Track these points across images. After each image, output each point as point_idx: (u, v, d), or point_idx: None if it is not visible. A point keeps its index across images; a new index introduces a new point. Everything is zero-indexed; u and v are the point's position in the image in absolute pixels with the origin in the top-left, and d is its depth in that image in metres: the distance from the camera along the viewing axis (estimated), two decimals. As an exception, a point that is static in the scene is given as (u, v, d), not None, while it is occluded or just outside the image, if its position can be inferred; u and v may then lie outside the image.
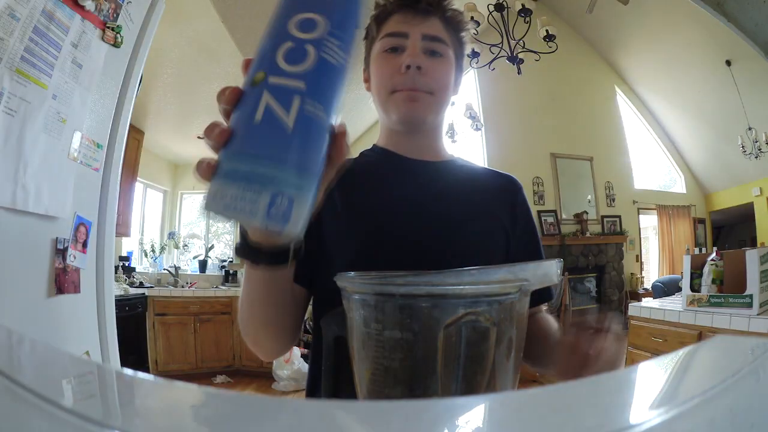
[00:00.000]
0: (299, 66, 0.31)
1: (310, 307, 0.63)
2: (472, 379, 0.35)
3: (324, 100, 0.32)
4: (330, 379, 0.44)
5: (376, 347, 0.36)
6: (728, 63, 4.70)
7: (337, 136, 0.34)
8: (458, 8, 0.67)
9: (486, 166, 0.75)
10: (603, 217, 5.65)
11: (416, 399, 0.34)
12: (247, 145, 0.30)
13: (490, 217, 0.64)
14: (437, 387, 0.34)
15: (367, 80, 0.69)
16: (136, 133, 3.97)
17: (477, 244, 0.62)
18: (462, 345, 0.34)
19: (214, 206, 0.29)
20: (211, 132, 0.31)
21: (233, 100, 0.32)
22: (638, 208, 6.01)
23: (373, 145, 0.71)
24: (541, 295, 0.63)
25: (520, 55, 3.57)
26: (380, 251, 0.58)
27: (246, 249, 0.41)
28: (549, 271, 0.37)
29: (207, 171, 0.30)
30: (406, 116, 0.63)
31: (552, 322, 0.64)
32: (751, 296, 1.71)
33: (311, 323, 0.61)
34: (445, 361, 0.34)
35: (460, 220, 0.61)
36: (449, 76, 0.65)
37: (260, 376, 3.80)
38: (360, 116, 4.25)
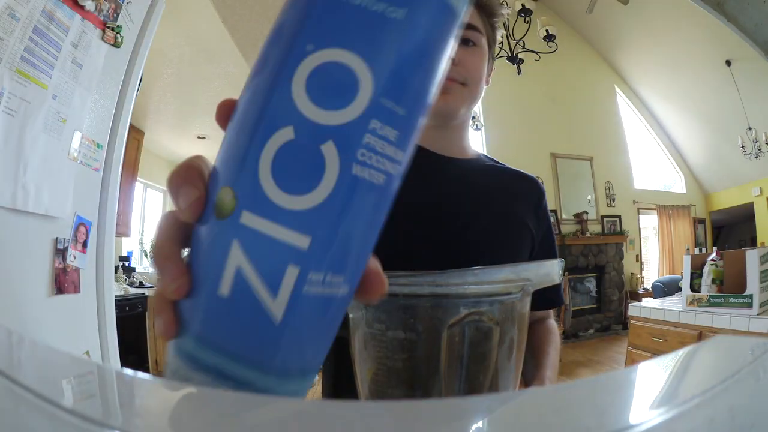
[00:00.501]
0: (303, 195, 0.16)
1: None
2: (475, 379, 0.35)
3: (345, 263, 0.18)
4: (330, 379, 0.44)
5: (378, 347, 0.36)
6: (728, 63, 4.70)
7: (370, 276, 0.20)
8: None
9: (509, 165, 0.73)
10: (603, 217, 5.66)
11: (417, 399, 0.34)
12: (208, 331, 0.18)
13: (520, 220, 0.63)
14: (440, 387, 0.34)
15: None
16: (136, 133, 3.97)
17: (509, 247, 0.60)
18: (465, 345, 0.34)
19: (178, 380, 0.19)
20: (163, 275, 0.19)
21: (195, 214, 0.18)
22: (638, 208, 6.01)
23: None
24: (552, 300, 0.62)
25: (520, 55, 3.57)
26: (413, 251, 0.55)
27: None
28: (551, 270, 0.37)
29: (166, 332, 0.19)
30: (439, 108, 0.59)
31: (551, 340, 0.62)
32: (751, 296, 1.71)
33: None
34: (448, 361, 0.34)
35: (493, 223, 0.60)
36: (483, 66, 0.62)
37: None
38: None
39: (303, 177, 0.16)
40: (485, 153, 0.70)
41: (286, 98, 0.16)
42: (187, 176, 0.19)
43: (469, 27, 0.59)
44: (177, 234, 0.19)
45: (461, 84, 0.59)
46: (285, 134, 0.16)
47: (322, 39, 0.16)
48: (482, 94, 0.65)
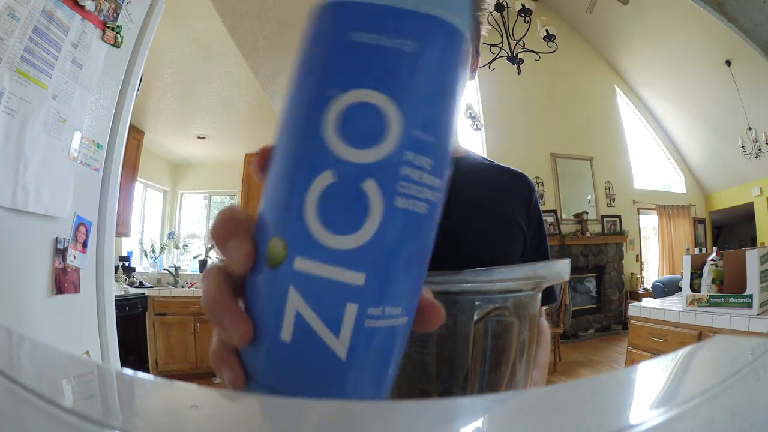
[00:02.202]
0: (352, 234, 0.17)
1: None
2: (496, 371, 0.38)
3: (401, 294, 0.18)
4: None
5: (409, 344, 0.37)
6: (728, 63, 4.70)
7: (427, 307, 0.21)
8: None
9: (498, 162, 0.73)
10: (603, 217, 5.66)
11: (447, 393, 0.37)
12: (275, 376, 0.18)
13: (510, 218, 0.63)
14: (467, 380, 0.37)
15: None
16: (136, 133, 3.97)
17: (500, 244, 0.61)
18: (489, 338, 0.37)
19: None
20: (224, 325, 0.19)
21: (247, 267, 0.19)
22: (638, 208, 6.02)
23: None
24: (546, 297, 0.63)
25: (520, 55, 3.57)
26: None
27: None
28: (562, 269, 0.41)
29: (235, 381, 0.20)
30: None
31: (540, 340, 0.62)
32: (751, 296, 1.71)
33: None
34: (474, 354, 0.37)
35: (483, 220, 0.60)
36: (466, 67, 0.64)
37: (260, 376, 3.80)
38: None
39: (349, 216, 0.17)
40: (483, 154, 0.69)
41: (319, 143, 0.17)
42: (233, 230, 0.19)
43: None
44: (228, 285, 0.20)
45: None
46: (326, 178, 0.17)
47: (345, 82, 0.17)
48: (464, 90, 0.66)
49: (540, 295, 0.41)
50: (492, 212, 0.62)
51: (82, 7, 1.21)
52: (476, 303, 0.36)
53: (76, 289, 1.29)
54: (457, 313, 0.36)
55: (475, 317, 0.36)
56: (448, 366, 0.37)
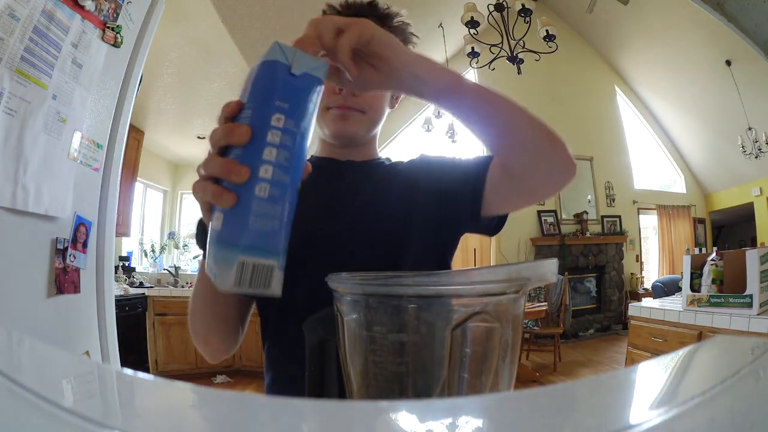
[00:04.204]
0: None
1: None
2: (476, 380, 0.35)
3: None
4: (315, 383, 0.44)
5: (378, 351, 0.35)
6: (728, 63, 4.71)
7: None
8: (404, 21, 0.65)
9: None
10: (603, 217, 5.66)
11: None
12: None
13: (394, 198, 0.63)
14: (443, 389, 0.34)
15: None
16: (136, 133, 3.97)
17: (389, 233, 0.60)
18: (468, 345, 0.34)
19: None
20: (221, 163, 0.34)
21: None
22: (638, 208, 6.02)
23: (311, 155, 0.71)
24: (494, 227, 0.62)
25: (520, 55, 3.57)
26: (302, 252, 0.52)
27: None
28: (548, 270, 0.38)
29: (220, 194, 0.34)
30: (338, 132, 0.65)
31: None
32: (751, 296, 1.71)
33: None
34: (451, 363, 0.34)
35: (366, 212, 0.62)
36: (382, 96, 0.66)
37: (260, 376, 3.77)
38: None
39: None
40: (483, 154, 0.68)
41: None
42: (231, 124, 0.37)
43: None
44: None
45: (359, 111, 0.64)
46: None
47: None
48: (384, 117, 0.69)
49: (524, 299, 0.38)
50: (374, 196, 0.63)
51: (82, 7, 1.21)
52: (453, 307, 0.34)
53: (76, 289, 1.29)
54: (432, 319, 0.33)
55: (453, 323, 0.33)
56: (424, 376, 0.35)
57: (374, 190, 0.65)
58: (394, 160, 0.73)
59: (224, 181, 0.33)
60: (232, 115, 0.36)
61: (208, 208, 0.36)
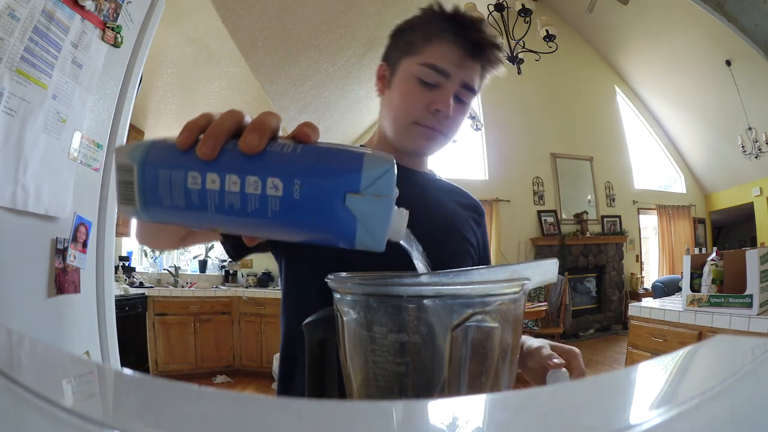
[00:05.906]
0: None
1: None
2: (476, 381, 0.35)
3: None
4: (315, 383, 0.44)
5: (379, 351, 0.35)
6: (728, 63, 4.71)
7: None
8: (502, 53, 0.67)
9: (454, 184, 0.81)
10: (603, 217, 5.66)
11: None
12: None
13: (467, 227, 0.70)
14: (443, 390, 0.34)
15: (384, 85, 0.68)
16: (136, 133, 3.97)
17: (459, 250, 0.67)
18: (468, 345, 0.34)
19: None
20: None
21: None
22: (638, 208, 6.02)
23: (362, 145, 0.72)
24: None
25: (520, 55, 3.57)
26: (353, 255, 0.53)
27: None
28: (549, 269, 0.38)
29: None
30: (417, 148, 0.67)
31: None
32: (751, 296, 1.71)
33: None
34: (451, 364, 0.34)
35: (447, 225, 0.66)
36: (463, 120, 0.69)
37: (260, 376, 3.80)
38: (359, 117, 4.26)
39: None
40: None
41: None
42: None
43: (467, 88, 0.64)
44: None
45: (443, 134, 0.66)
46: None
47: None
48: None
49: (524, 299, 0.37)
50: (450, 225, 0.67)
51: (82, 7, 1.21)
52: (454, 308, 0.33)
53: (76, 289, 1.29)
54: (432, 319, 0.33)
55: (453, 323, 0.33)
56: (424, 376, 0.34)
57: (443, 204, 0.70)
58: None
59: None
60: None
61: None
